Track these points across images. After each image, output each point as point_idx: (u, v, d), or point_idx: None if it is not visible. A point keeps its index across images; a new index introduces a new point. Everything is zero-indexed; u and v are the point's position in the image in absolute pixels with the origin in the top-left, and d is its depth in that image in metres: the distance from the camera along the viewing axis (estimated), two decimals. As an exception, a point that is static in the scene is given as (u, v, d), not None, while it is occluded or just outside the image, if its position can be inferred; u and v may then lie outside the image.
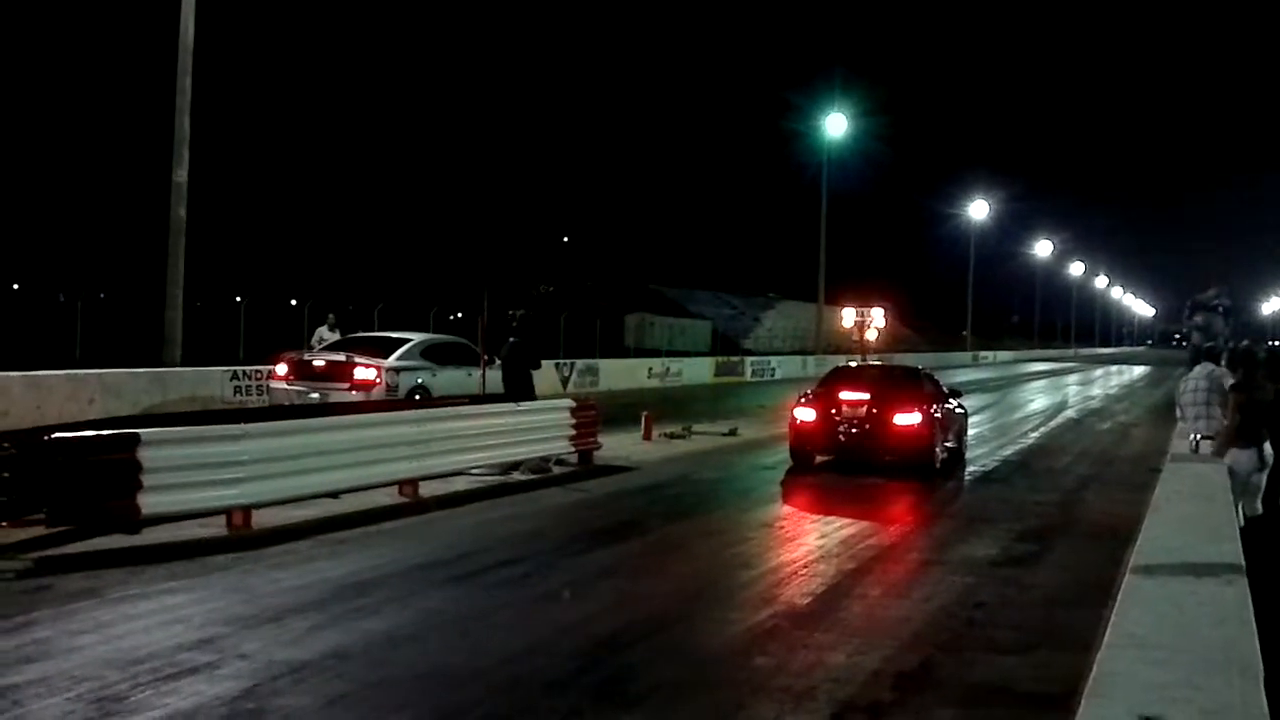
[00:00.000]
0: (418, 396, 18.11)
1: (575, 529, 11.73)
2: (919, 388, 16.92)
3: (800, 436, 16.38)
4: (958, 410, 18.00)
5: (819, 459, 16.40)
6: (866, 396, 15.95)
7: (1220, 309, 16.33)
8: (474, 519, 12.02)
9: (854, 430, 15.70)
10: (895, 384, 17.08)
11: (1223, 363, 11.28)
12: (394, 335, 20.40)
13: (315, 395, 17.72)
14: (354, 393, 17.57)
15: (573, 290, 59.78)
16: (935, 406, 16.36)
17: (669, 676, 6.90)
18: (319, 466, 11.40)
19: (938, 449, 16.07)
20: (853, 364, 23.50)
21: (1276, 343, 45.08)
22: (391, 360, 18.43)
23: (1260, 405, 9.56)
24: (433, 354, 19.52)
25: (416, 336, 20.20)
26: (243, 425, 11.05)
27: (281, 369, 18.97)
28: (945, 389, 17.74)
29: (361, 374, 18.00)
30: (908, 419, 15.60)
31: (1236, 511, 7.70)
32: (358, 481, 11.92)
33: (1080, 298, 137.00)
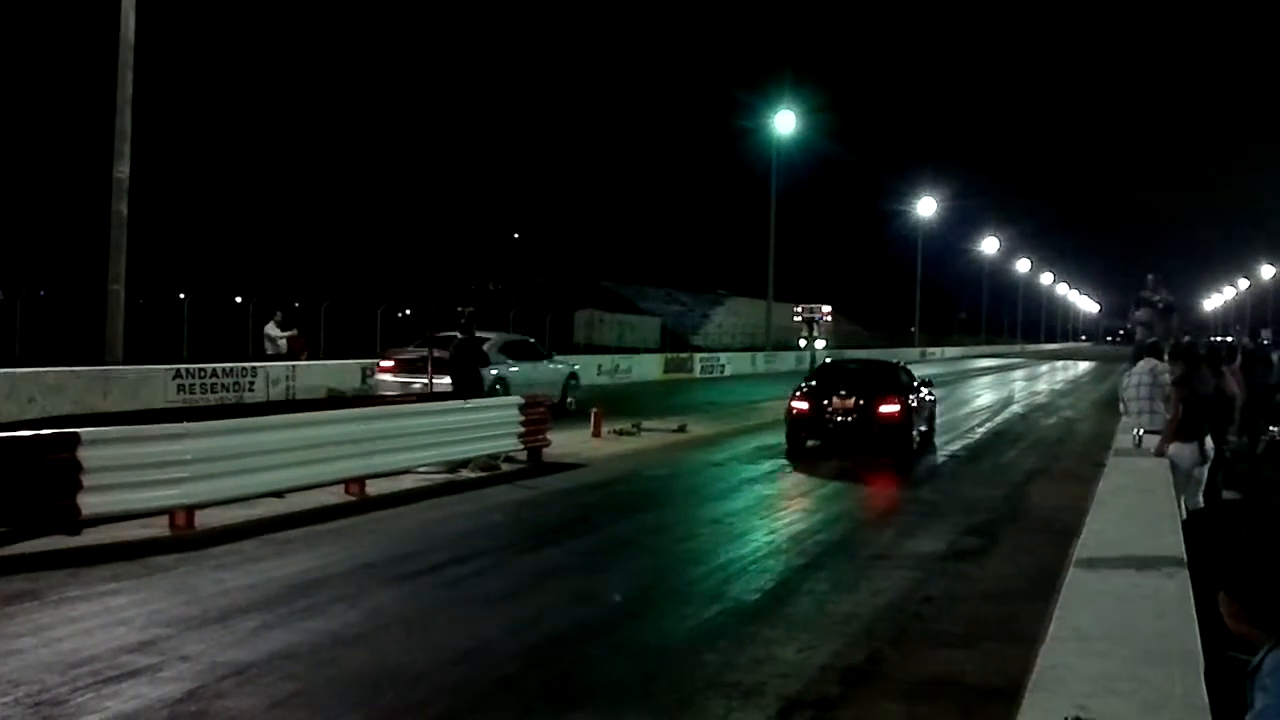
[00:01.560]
0: (498, 386, 20.27)
1: (524, 526, 11.69)
2: (897, 380, 18.80)
3: (796, 424, 18.14)
4: (928, 398, 19.88)
5: (810, 443, 18.07)
6: (853, 390, 17.96)
7: (1162, 305, 16.56)
8: (422, 517, 11.94)
9: (841, 419, 17.64)
10: (877, 378, 19.02)
11: (1165, 358, 11.44)
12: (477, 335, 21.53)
13: (417, 385, 19.84)
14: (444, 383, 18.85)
15: (522, 287, 59.60)
16: (911, 396, 18.34)
17: (619, 673, 6.89)
18: (263, 466, 11.28)
19: (914, 433, 18.27)
20: (839, 360, 25.34)
21: (1218, 338, 45.85)
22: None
23: (1201, 400, 9.70)
24: (509, 350, 22.61)
25: (494, 336, 22.56)
26: (185, 424, 10.90)
27: (387, 363, 22.05)
28: (917, 380, 19.65)
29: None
30: (889, 408, 17.59)
31: (1178, 505, 7.81)
32: (303, 481, 11.81)
33: (1026, 294, 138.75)
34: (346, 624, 7.66)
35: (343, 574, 9.13)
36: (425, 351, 20.15)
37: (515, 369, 22.12)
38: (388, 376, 21.67)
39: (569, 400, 24.46)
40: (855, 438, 17.57)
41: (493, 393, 19.08)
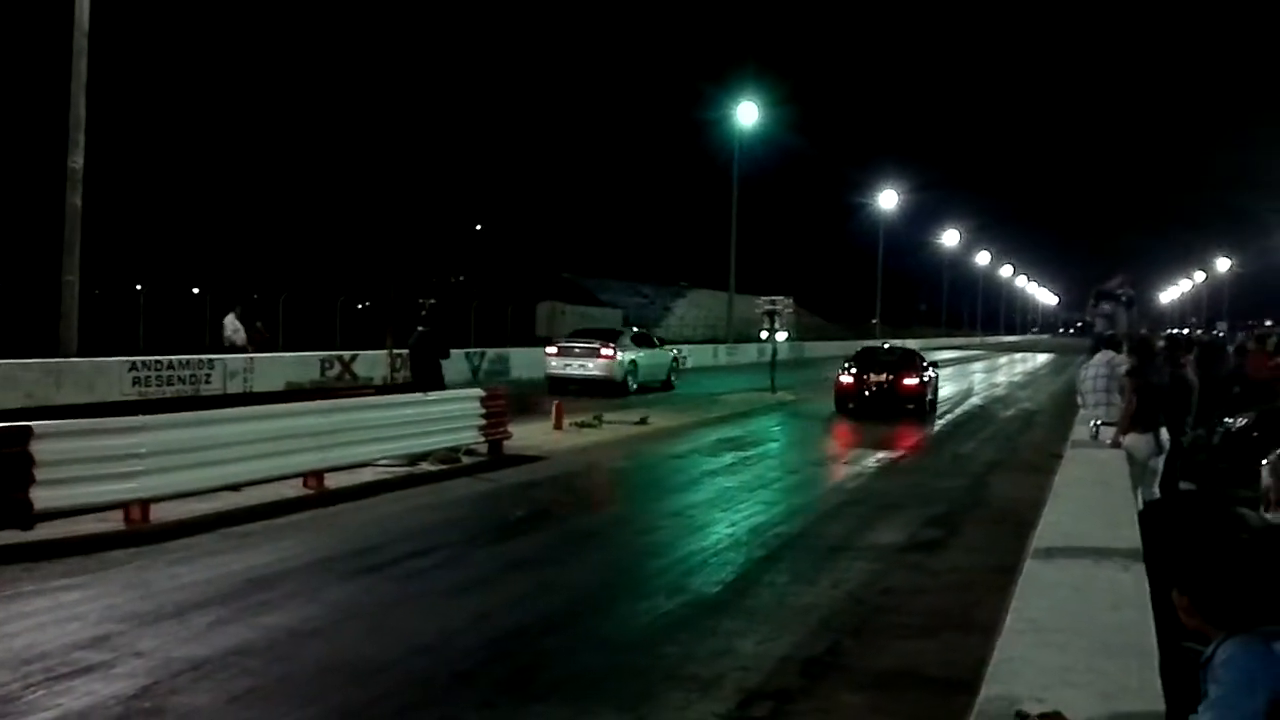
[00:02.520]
0: (631, 367, 28.14)
1: (485, 519, 11.66)
2: (914, 362, 25.30)
3: (843, 394, 24.53)
4: (932, 375, 26.11)
5: (850, 405, 24.18)
6: (883, 369, 24.48)
7: (1124, 299, 16.70)
8: (381, 511, 11.86)
9: (875, 389, 24.03)
10: (901, 360, 25.55)
11: (1123, 350, 11.53)
12: (609, 329, 32.20)
13: (576, 368, 27.47)
14: (596, 365, 27.45)
15: (484, 279, 59.29)
16: (924, 374, 24.85)
17: (579, 666, 6.87)
18: (220, 459, 11.17)
19: (927, 397, 24.90)
20: (871, 347, 31.35)
21: (1175, 330, 46.41)
22: (618, 343, 28.38)
23: (1156, 390, 9.79)
24: (636, 340, 29.98)
25: (625, 330, 31.44)
26: (141, 417, 10.79)
27: (552, 349, 28.73)
28: (926, 363, 25.96)
29: (605, 352, 27.65)
30: (911, 381, 24.17)
31: (1135, 496, 7.88)
32: (260, 474, 11.71)
33: (986, 286, 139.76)
34: (304, 618, 7.60)
35: (300, 568, 9.06)
36: (582, 340, 28.63)
37: (641, 354, 29.09)
38: (553, 361, 28.25)
39: (673, 377, 31.15)
40: (886, 402, 23.73)
41: (626, 373, 27.77)
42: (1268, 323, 49.70)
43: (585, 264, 67.26)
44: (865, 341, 68.21)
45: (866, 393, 23.92)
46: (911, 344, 41.66)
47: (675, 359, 31.83)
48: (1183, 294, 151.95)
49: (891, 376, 24.03)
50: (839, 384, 24.65)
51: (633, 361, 28.17)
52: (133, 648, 6.78)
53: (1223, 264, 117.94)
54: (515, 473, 14.69)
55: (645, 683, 6.57)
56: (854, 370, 24.60)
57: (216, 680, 6.28)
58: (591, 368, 27.43)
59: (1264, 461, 10.58)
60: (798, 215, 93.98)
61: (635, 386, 28.25)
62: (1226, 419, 15.66)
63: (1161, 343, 13.77)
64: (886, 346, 31.26)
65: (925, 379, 24.71)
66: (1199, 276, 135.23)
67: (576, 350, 27.89)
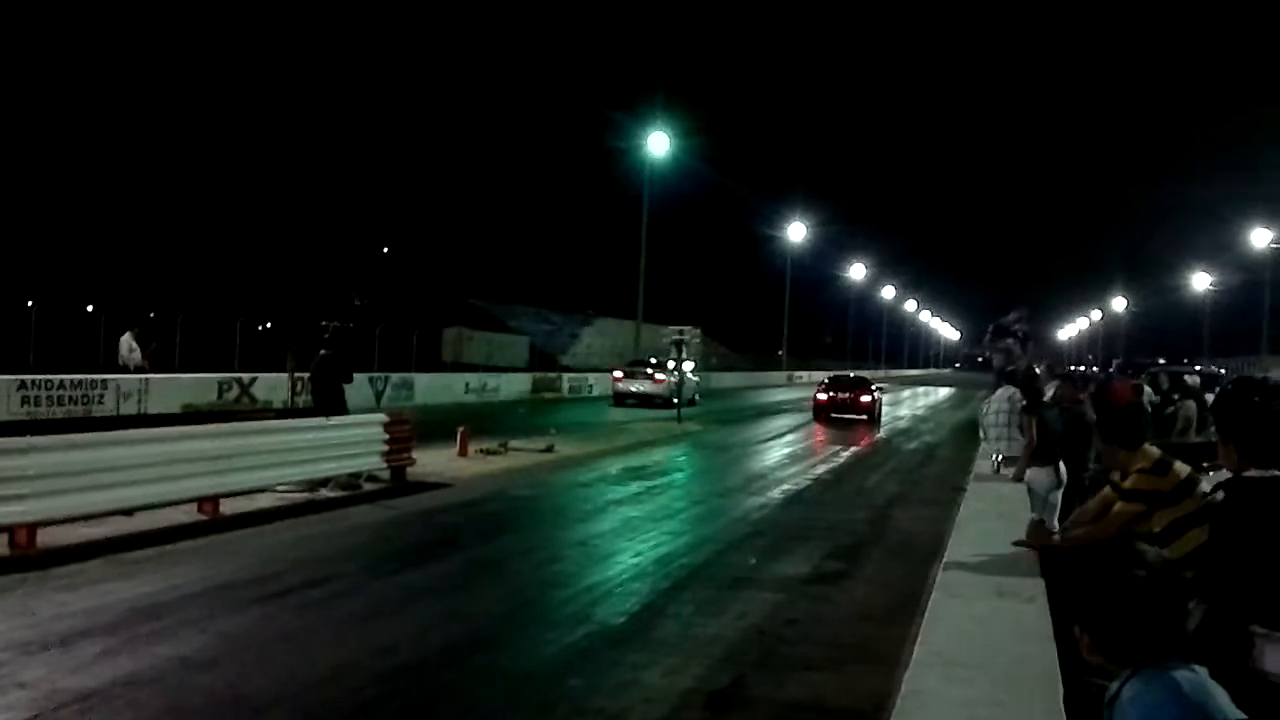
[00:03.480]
0: (674, 388, 34.37)
1: (386, 547, 11.44)
2: (868, 386, 35.81)
3: (820, 406, 34.52)
4: (879, 395, 36.29)
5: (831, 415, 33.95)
6: (847, 389, 35.18)
7: (1020, 334, 17.03)
8: (278, 538, 11.57)
9: (841, 403, 34.36)
10: (858, 383, 36.08)
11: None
12: (659, 360, 37.66)
13: (636, 386, 37.20)
14: (652, 385, 37.18)
15: (390, 302, 58.65)
16: (875, 393, 35.37)
17: (481, 699, 6.76)
18: (111, 482, 10.79)
19: (875, 411, 34.87)
20: (837, 375, 40.01)
21: (1076, 367, 47.43)
22: (666, 370, 36.36)
23: (1047, 425, 9.96)
24: (678, 368, 35.23)
25: (666, 359, 35.84)
26: (29, 438, 10.40)
27: (619, 373, 39.07)
28: (874, 385, 36.46)
29: (659, 376, 36.96)
30: (866, 398, 34.55)
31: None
32: (153, 498, 11.34)
33: (890, 320, 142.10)
34: (196, 649, 7.35)
35: (193, 596, 8.79)
36: (641, 366, 38.36)
37: (680, 379, 34.97)
38: (619, 381, 38.40)
39: (696, 397, 38.61)
40: (849, 412, 34.03)
41: (672, 392, 34.33)
42: (1161, 360, 51.22)
43: (493, 290, 66.99)
44: (770, 373, 69.32)
45: (835, 405, 34.31)
46: (807, 376, 51.23)
47: (699, 381, 41.23)
48: (1080, 331, 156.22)
49: (851, 395, 34.69)
50: (816, 399, 35.00)
51: (675, 382, 34.69)
52: (16, 678, 6.49)
53: (1119, 303, 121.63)
54: (418, 500, 14.48)
55: (549, 716, 6.48)
56: (828, 390, 35.30)
57: (103, 713, 6.04)
58: (649, 386, 37.02)
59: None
60: (706, 246, 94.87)
61: (679, 402, 33.29)
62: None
63: (1051, 379, 14.04)
64: (851, 375, 39.96)
65: (874, 398, 35.13)
66: (1096, 315, 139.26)
67: (638, 374, 37.91)
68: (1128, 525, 5.07)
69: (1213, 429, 12.81)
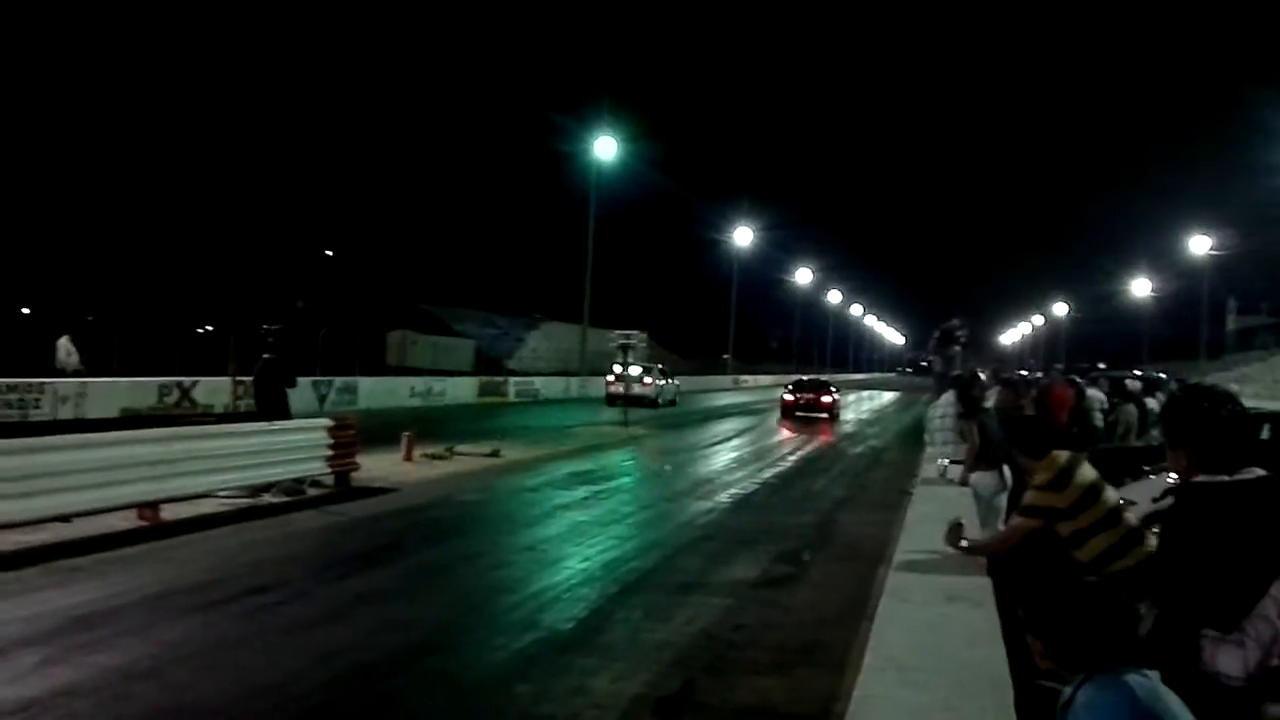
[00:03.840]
0: (659, 390, 43.53)
1: (330, 553, 11.31)
2: (829, 387, 41.25)
3: (786, 406, 39.15)
4: (838, 396, 41.68)
5: (798, 413, 38.72)
6: (811, 390, 40.16)
7: (962, 339, 17.24)
8: (221, 544, 11.41)
9: (806, 403, 39.00)
10: (820, 385, 41.71)
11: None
12: (647, 365, 44.28)
13: (627, 389, 37.46)
14: (642, 387, 41.71)
15: (333, 306, 58.12)
16: (835, 394, 40.65)
17: (429, 706, 6.70)
18: (48, 488, 10.57)
19: (835, 410, 39.65)
20: (800, 379, 46.36)
21: (1021, 371, 47.99)
22: (653, 375, 43.50)
23: (986, 429, 10.06)
24: (661, 374, 44.36)
25: (654, 366, 44.92)
26: (-39, 443, 10.16)
27: (611, 377, 41.49)
28: (834, 386, 42.19)
29: (647, 379, 42.71)
30: (827, 399, 39.56)
31: (982, 534, 8.05)
32: (92, 504, 11.13)
33: (836, 325, 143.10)
34: (137, 658, 7.22)
35: (133, 604, 8.63)
36: (634, 371, 41.29)
37: (664, 382, 44.30)
38: (612, 384, 41.67)
39: (674, 400, 45.52)
40: (813, 410, 38.68)
41: (658, 393, 43.07)
42: (1101, 365, 52.03)
43: (439, 293, 66.65)
44: (717, 377, 69.89)
45: (800, 405, 39.22)
46: (753, 380, 57.00)
47: (678, 386, 47.52)
48: (1023, 336, 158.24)
49: (814, 395, 39.94)
50: (784, 400, 40.03)
51: (660, 386, 43.28)
52: (-54, 691, 6.34)
53: (1060, 309, 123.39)
54: (363, 505, 14.34)
55: (497, 723, 6.42)
56: (794, 392, 40.40)
57: (39, 725, 5.91)
58: (638, 389, 40.37)
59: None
60: (653, 250, 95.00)
61: (661, 402, 41.90)
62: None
63: (995, 383, 14.21)
64: (808, 379, 46.27)
65: (835, 398, 40.48)
66: (1038, 320, 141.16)
67: (628, 378, 40.29)
68: (1026, 538, 5.13)
69: (1153, 432, 13.10)
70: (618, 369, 40.51)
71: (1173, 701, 2.49)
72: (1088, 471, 4.98)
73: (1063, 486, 4.95)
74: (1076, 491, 4.90)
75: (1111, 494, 4.83)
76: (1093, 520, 4.78)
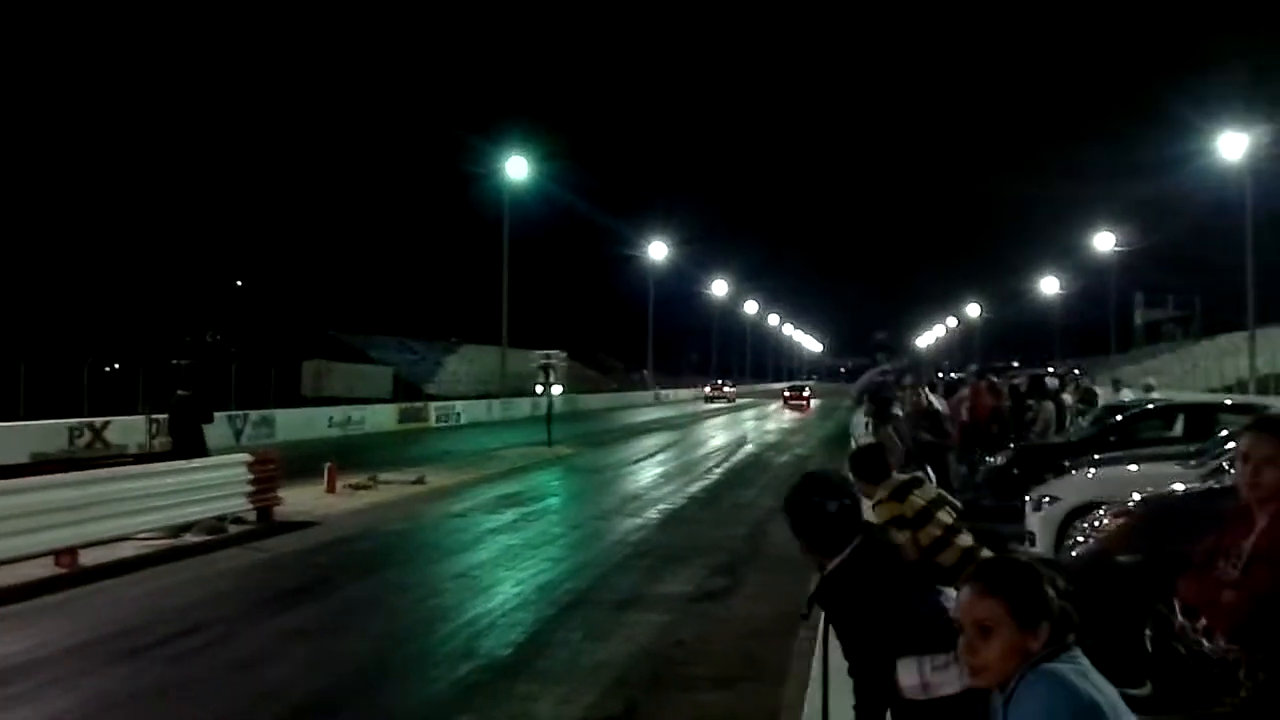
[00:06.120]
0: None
1: (257, 591, 11.08)
2: (805, 389, 76.05)
3: (785, 399, 71.78)
4: (812, 392, 78.07)
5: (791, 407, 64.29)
6: (799, 390, 74.94)
7: (886, 348, 17.53)
8: (144, 588, 11.12)
9: (795, 397, 70.93)
10: (802, 389, 75.87)
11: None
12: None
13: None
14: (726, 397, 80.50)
15: (244, 337, 57.12)
16: (810, 392, 75.98)
17: (369, 743, 6.57)
18: (-41, 539, 10.23)
19: (810, 402, 70.48)
20: (792, 383, 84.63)
21: (952, 374, 48.75)
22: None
23: (902, 433, 10.23)
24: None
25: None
26: None
27: (708, 389, 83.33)
28: (809, 388, 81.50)
29: (728, 389, 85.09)
30: (807, 393, 74.04)
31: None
32: (6, 553, 10.79)
33: (754, 335, 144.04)
34: (62, 710, 6.99)
35: (55, 655, 8.36)
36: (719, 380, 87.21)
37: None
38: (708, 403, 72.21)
39: None
40: (799, 400, 69.40)
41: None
42: (1015, 363, 53.10)
43: (353, 321, 65.85)
44: (638, 393, 70.83)
45: (791, 399, 68.82)
46: (673, 395, 55.78)
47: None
48: (938, 339, 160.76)
49: (799, 394, 70.69)
50: (784, 395, 73.03)
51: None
52: None
53: (973, 309, 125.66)
54: (287, 540, 14.08)
55: (441, 755, 6.32)
56: (790, 391, 72.51)
57: (-37, 787, 5.69)
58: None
59: (1026, 498, 11.21)
60: (569, 269, 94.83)
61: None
62: (988, 457, 16.53)
63: (901, 388, 14.48)
64: (797, 384, 75.63)
65: (809, 394, 71.75)
66: (952, 322, 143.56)
67: (719, 387, 68.23)
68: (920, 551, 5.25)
69: (1070, 428, 13.38)
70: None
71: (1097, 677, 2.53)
72: (919, 497, 5.06)
73: (903, 498, 5.02)
74: (915, 505, 4.96)
75: (945, 518, 4.94)
76: (944, 529, 4.86)
